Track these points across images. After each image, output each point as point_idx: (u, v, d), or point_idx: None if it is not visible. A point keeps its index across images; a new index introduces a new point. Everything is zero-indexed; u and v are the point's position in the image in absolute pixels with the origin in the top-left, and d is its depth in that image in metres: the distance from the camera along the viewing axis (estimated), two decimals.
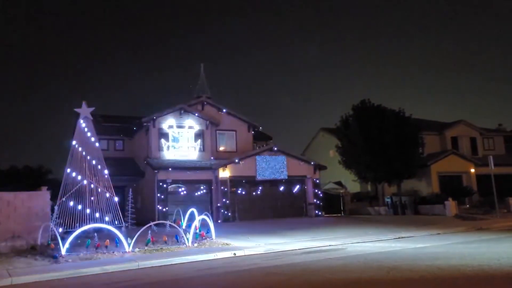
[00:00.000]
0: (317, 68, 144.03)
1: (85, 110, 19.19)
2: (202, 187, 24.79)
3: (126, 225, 17.74)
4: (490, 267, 8.60)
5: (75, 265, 11.25)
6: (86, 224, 15.71)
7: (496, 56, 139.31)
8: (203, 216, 16.28)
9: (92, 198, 17.89)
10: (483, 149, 34.29)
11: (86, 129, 18.85)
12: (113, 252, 12.88)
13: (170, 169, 23.68)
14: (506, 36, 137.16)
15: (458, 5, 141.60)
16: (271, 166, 25.56)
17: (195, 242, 14.52)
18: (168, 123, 25.74)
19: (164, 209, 22.70)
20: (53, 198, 16.35)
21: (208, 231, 15.98)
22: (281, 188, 26.34)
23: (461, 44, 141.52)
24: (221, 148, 27.58)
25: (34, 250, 13.24)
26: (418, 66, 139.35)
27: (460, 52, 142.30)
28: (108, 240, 13.47)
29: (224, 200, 24.34)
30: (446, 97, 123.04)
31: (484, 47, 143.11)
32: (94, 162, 18.35)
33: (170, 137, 25.73)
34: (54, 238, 13.68)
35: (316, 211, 26.31)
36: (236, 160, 24.98)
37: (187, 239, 14.30)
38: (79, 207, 17.27)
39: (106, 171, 18.67)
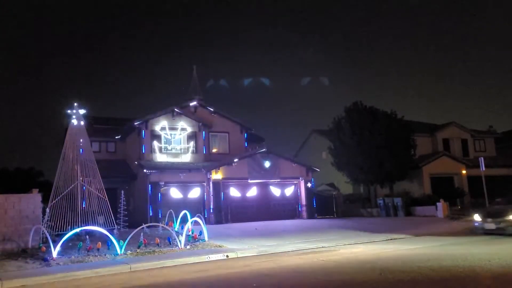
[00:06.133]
0: (310, 70, 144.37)
1: (76, 112, 19.10)
2: (195, 189, 24.72)
3: (118, 227, 17.67)
4: (481, 268, 8.66)
5: (67, 268, 11.18)
6: (78, 227, 15.63)
7: (487, 59, 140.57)
8: (195, 218, 16.25)
9: (84, 200, 17.82)
10: (474, 150, 34.52)
11: (77, 131, 18.77)
12: (105, 254, 12.82)
13: (162, 171, 23.60)
14: (497, 39, 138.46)
15: (450, 8, 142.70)
16: (264, 168, 25.54)
17: (188, 244, 14.49)
18: (160, 125, 25.66)
19: (156, 211, 22.61)
20: (45, 200, 16.24)
21: (201, 233, 15.94)
22: (274, 190, 26.32)
23: (452, 47, 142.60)
24: (214, 150, 27.54)
25: (25, 253, 13.13)
26: (410, 69, 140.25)
27: (451, 55, 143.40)
28: (100, 243, 13.40)
29: (217, 202, 24.28)
30: (438, 99, 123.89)
31: (476, 50, 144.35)
32: (85, 164, 18.28)
33: (163, 139, 25.64)
34: (45, 241, 13.59)
35: (309, 213, 26.32)
36: (229, 162, 24.93)
37: (180, 241, 14.26)
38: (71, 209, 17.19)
39: (98, 173, 18.62)
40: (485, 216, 15.03)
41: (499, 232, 14.16)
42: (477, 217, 15.26)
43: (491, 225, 14.46)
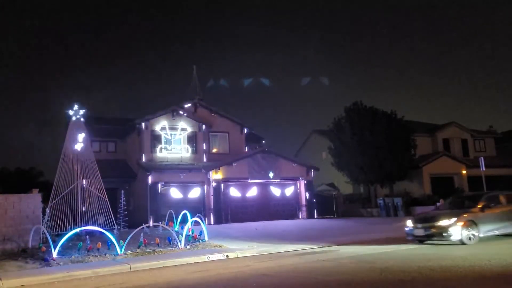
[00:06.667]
0: (310, 70, 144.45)
1: (76, 112, 19.12)
2: (195, 189, 24.72)
3: (118, 227, 17.68)
4: (481, 267, 8.65)
5: (67, 268, 11.17)
6: (78, 227, 15.63)
7: (487, 59, 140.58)
8: (195, 218, 16.25)
9: (84, 200, 17.83)
10: (474, 150, 34.51)
11: (77, 131, 18.78)
12: (105, 254, 12.81)
13: (162, 171, 23.60)
14: (497, 39, 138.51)
15: (450, 8, 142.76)
16: (264, 168, 25.54)
17: (188, 244, 14.48)
18: (160, 125, 25.66)
19: (156, 211, 22.59)
20: (45, 200, 16.25)
21: (201, 233, 15.94)
22: (274, 190, 26.32)
23: (452, 47, 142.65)
24: (214, 150, 27.55)
25: (25, 253, 13.13)
26: (411, 69, 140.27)
27: (451, 55, 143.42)
28: (100, 243, 13.40)
29: (217, 202, 24.28)
30: (438, 99, 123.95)
31: (475, 51, 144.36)
32: (85, 164, 18.28)
33: (163, 139, 25.65)
34: (45, 241, 13.58)
35: (309, 213, 26.32)
36: (229, 162, 24.94)
37: (180, 241, 14.26)
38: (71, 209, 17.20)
39: (98, 173, 18.62)
40: (416, 221, 13.51)
41: (428, 239, 13.11)
42: (409, 222, 13.68)
43: (420, 231, 13.05)
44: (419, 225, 13.17)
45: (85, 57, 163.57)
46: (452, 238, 12.44)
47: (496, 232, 13.14)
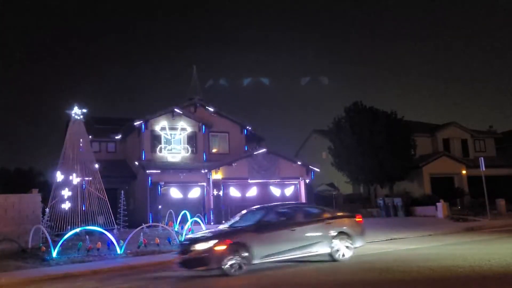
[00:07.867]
0: (310, 70, 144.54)
1: (76, 113, 19.14)
2: (195, 189, 24.69)
3: (118, 227, 17.69)
4: (481, 268, 8.63)
5: (66, 268, 11.18)
6: (78, 227, 15.65)
7: (487, 60, 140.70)
8: (195, 218, 16.26)
9: (83, 200, 17.85)
10: (474, 151, 34.46)
11: (77, 131, 18.80)
12: (105, 254, 12.82)
13: (162, 171, 23.57)
14: (498, 39, 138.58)
15: (452, 9, 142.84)
16: (264, 168, 25.50)
17: None
18: (160, 125, 25.62)
19: (156, 211, 22.58)
20: (44, 200, 16.25)
21: None
22: (274, 190, 26.29)
23: (453, 48, 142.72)
24: (214, 150, 27.50)
25: (25, 253, 13.15)
26: (410, 69, 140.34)
27: (451, 54, 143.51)
28: (99, 243, 13.41)
29: (216, 202, 24.26)
30: (438, 100, 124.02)
31: (475, 52, 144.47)
32: (85, 164, 18.29)
33: (163, 139, 25.60)
34: (45, 241, 13.59)
35: None
36: (229, 162, 24.91)
37: (180, 241, 14.25)
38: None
39: (98, 173, 18.63)
40: (181, 242, 11.17)
41: (185, 267, 9.75)
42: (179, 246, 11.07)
43: (182, 257, 9.88)
44: (181, 248, 10.35)
45: (86, 58, 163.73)
46: (210, 266, 9.33)
47: (278, 258, 9.97)
